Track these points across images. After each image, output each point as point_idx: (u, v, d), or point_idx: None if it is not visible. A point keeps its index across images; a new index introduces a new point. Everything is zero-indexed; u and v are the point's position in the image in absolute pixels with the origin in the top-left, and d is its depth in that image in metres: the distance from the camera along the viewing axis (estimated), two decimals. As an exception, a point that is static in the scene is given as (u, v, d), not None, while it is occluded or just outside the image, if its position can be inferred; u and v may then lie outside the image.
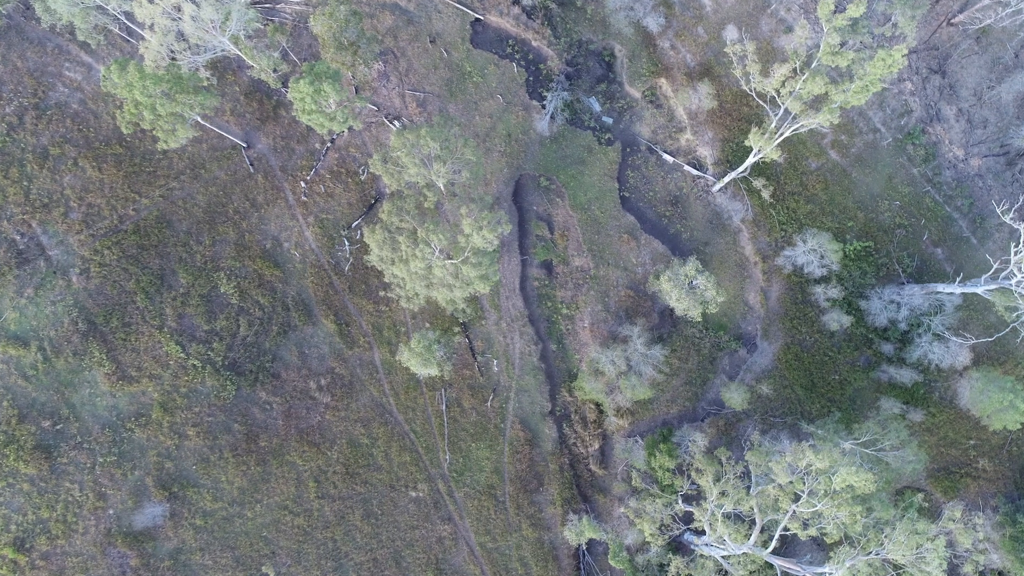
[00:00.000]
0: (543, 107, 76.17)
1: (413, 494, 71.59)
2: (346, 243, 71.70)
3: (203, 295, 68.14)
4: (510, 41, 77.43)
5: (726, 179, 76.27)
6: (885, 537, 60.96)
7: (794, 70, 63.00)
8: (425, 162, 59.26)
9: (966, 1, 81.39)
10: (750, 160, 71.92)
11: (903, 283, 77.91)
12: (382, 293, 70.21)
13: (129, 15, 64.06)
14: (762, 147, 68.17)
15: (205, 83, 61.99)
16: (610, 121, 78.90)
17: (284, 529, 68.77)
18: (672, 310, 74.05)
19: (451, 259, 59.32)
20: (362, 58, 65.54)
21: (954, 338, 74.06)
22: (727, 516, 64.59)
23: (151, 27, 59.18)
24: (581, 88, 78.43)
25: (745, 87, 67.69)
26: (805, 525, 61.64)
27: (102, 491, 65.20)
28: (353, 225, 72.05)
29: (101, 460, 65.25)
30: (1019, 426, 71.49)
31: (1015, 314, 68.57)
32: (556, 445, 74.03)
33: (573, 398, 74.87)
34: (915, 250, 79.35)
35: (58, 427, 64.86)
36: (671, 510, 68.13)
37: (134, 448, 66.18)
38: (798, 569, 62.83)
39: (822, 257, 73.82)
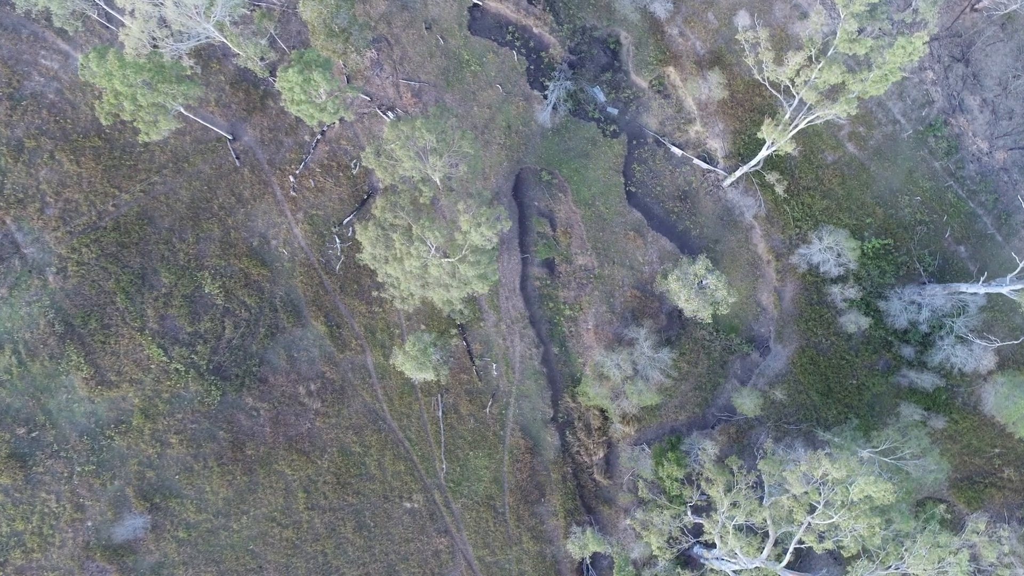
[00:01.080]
0: (545, 97, 76.19)
1: (408, 505, 71.61)
2: (337, 241, 71.72)
3: (186, 295, 68.15)
4: (510, 28, 77.46)
5: (738, 173, 76.30)
6: (905, 551, 60.95)
7: (809, 58, 63.00)
8: (420, 155, 59.26)
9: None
10: (763, 153, 71.93)
11: (924, 283, 77.93)
12: (375, 293, 70.24)
13: (108, 0, 64.03)
14: (776, 139, 68.18)
15: (188, 72, 62.00)
16: (615, 112, 78.92)
17: (272, 542, 68.80)
18: (681, 311, 74.09)
19: (448, 257, 59.34)
20: (354, 45, 65.53)
21: (978, 341, 74.06)
22: (739, 528, 64.60)
23: (131, 13, 59.18)
24: (585, 77, 78.45)
25: (758, 76, 67.71)
26: (821, 538, 61.64)
27: (80, 502, 65.22)
28: (344, 222, 72.08)
29: (79, 469, 65.26)
30: (1046, 433, 71.55)
31: (1042, 315, 68.62)
32: (558, 453, 74.06)
33: (576, 404, 74.91)
34: (937, 248, 79.37)
35: (33, 434, 64.86)
36: (680, 522, 68.15)
37: (114, 457, 66.19)
38: (813, 584, 62.92)
39: (839, 255, 73.84)
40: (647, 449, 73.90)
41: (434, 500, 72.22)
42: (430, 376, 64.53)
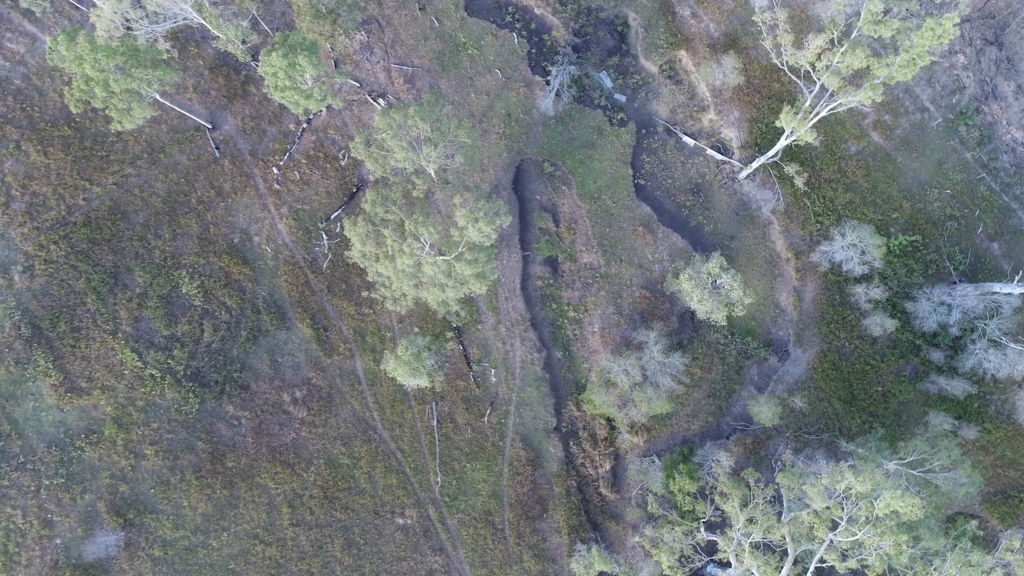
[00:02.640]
0: (547, 83, 76.21)
1: (400, 521, 71.64)
2: (324, 237, 71.74)
3: (162, 296, 68.18)
4: (510, 8, 77.47)
5: (754, 165, 76.34)
6: (934, 570, 60.95)
7: (831, 41, 63.01)
8: (414, 145, 59.26)
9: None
10: (781, 143, 71.94)
11: (955, 282, 77.93)
12: (365, 294, 70.27)
13: (78, -21, 64.11)
14: (795, 128, 68.18)
15: (165, 56, 62.00)
16: (623, 99, 78.94)
17: (254, 560, 68.82)
18: (693, 313, 74.11)
19: (443, 255, 59.37)
20: (342, 28, 65.57)
21: (1013, 344, 74.06)
22: (755, 546, 64.62)
23: (103, -8, 59.16)
24: (590, 62, 78.47)
25: (776, 60, 67.71)
26: (844, 556, 61.66)
27: (48, 518, 65.23)
28: (332, 217, 72.12)
29: (47, 483, 65.25)
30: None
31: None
32: (562, 466, 74.09)
33: (581, 412, 74.93)
34: (968, 245, 79.37)
35: (-2, 445, 64.94)
36: (692, 539, 68.17)
37: (84, 469, 66.20)
38: (836, 606, 62.95)
39: (863, 253, 73.84)
40: (657, 461, 73.89)
41: (428, 516, 72.24)
42: (424, 383, 64.51)
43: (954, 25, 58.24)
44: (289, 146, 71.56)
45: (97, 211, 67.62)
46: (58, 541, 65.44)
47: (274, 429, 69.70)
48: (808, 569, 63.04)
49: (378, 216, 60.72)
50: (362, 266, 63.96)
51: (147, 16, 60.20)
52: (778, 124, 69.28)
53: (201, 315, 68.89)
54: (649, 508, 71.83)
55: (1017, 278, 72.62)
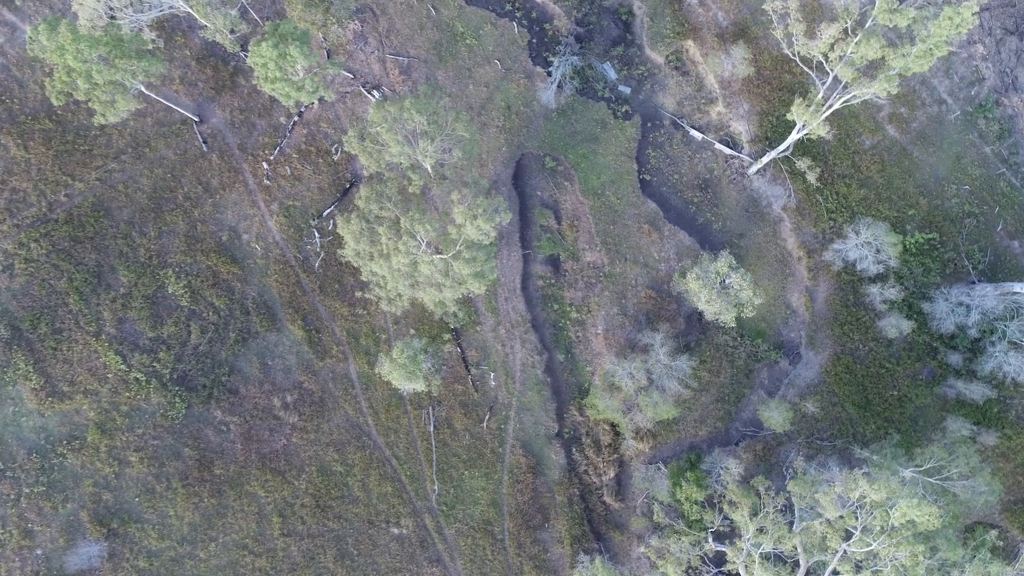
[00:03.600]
0: (549, 74, 76.16)
1: (395, 531, 71.61)
2: (316, 235, 71.69)
3: (147, 296, 68.13)
4: (510, -4, 77.53)
5: (765, 159, 76.29)
6: (952, 582, 60.95)
7: (845, 31, 62.97)
8: (409, 139, 59.21)
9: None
10: (793, 137, 71.90)
11: (973, 282, 77.88)
12: (359, 294, 70.23)
13: (60, -34, 64.03)
14: (807, 122, 68.12)
15: (150, 46, 61.94)
16: (628, 91, 78.88)
17: (243, 572, 68.77)
18: (701, 314, 74.07)
19: (440, 254, 59.32)
20: (335, 16, 65.53)
21: (1034, 347, 74.14)
22: (766, 557, 64.58)
23: (86, -20, 59.08)
24: (593, 52, 78.42)
25: (787, 51, 67.67)
26: (858, 567, 61.63)
27: (28, 527, 65.17)
28: (324, 214, 72.08)
29: (27, 491, 65.21)
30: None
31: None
32: (564, 473, 74.05)
33: (584, 417, 74.89)
34: (988, 243, 79.32)
35: (-24, 452, 64.90)
36: (700, 550, 68.13)
37: (66, 477, 66.14)
38: (850, 619, 62.86)
39: (878, 251, 73.81)
40: (663, 468, 73.87)
41: (425, 525, 72.20)
42: (420, 386, 64.50)
43: (973, 14, 58.20)
44: (280, 140, 71.51)
45: (80, 208, 67.56)
46: (39, 552, 65.36)
47: (264, 435, 69.64)
48: (821, 581, 63.09)
49: (372, 213, 60.66)
50: (356, 265, 63.91)
51: (132, 4, 60.13)
52: (789, 117, 69.21)
53: (188, 316, 68.83)
54: (655, 517, 71.81)
55: (1038, 278, 72.70)
